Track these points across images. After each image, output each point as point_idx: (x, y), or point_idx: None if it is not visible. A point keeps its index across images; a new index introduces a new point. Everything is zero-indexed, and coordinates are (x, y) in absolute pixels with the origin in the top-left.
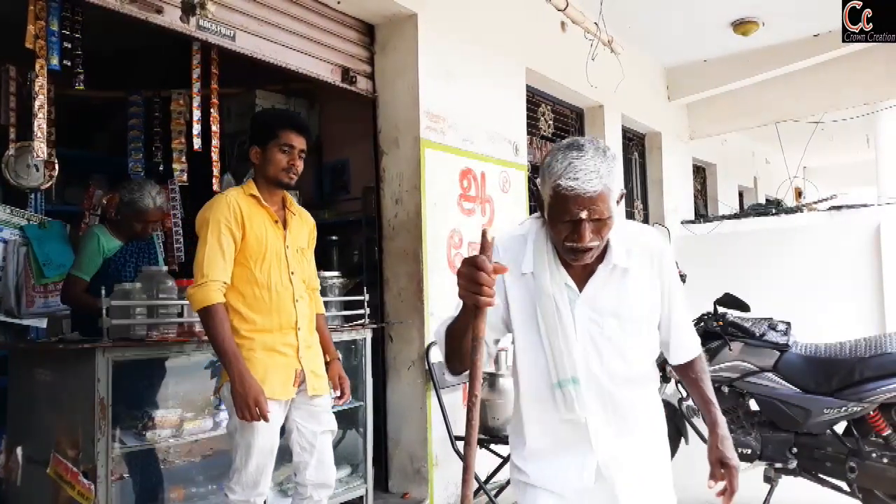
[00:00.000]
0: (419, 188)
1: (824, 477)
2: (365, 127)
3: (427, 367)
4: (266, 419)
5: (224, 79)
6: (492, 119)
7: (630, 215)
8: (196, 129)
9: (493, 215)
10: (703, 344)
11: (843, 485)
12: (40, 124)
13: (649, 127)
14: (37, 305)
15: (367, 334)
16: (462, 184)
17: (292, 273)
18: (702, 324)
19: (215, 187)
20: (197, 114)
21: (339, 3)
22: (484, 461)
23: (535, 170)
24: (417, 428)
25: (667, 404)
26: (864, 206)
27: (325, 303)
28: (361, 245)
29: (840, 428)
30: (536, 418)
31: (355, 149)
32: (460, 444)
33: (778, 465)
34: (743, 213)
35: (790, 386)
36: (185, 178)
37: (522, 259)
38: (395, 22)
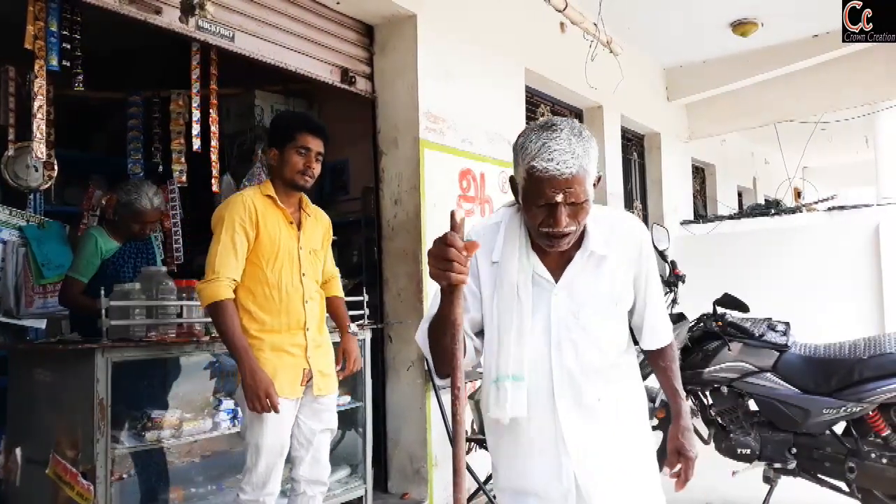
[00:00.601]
0: (418, 188)
1: (823, 477)
2: (364, 127)
3: (426, 367)
4: (276, 410)
5: (223, 79)
6: (491, 119)
7: None
8: (195, 129)
9: None
10: (703, 344)
11: (843, 485)
12: (39, 125)
13: (648, 127)
14: (36, 306)
15: (367, 335)
16: (461, 184)
17: (303, 274)
18: (701, 324)
19: (214, 188)
20: (196, 114)
21: (338, 3)
22: (483, 461)
23: None
24: (417, 428)
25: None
26: (864, 206)
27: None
28: (361, 245)
29: (839, 428)
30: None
31: (354, 149)
32: None
33: (777, 466)
34: (742, 213)
35: (789, 386)
36: (184, 178)
37: (494, 247)
38: (395, 22)
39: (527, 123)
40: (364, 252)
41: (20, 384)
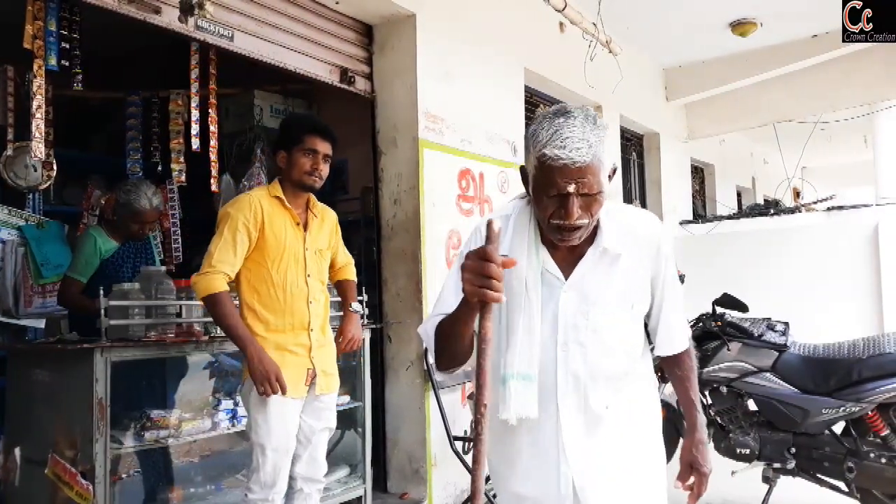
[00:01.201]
0: (417, 188)
1: (822, 477)
2: (363, 127)
3: (426, 367)
4: (284, 392)
5: (222, 79)
6: (490, 119)
7: None
8: (194, 129)
9: None
10: (702, 344)
11: (842, 485)
12: (38, 124)
13: (647, 127)
14: (35, 306)
15: (366, 334)
16: (460, 184)
17: (308, 275)
18: (700, 324)
19: (213, 188)
20: (195, 114)
21: (337, 3)
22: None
23: None
24: (416, 428)
25: (666, 405)
26: (863, 206)
27: None
28: (360, 245)
29: (838, 428)
30: (499, 421)
31: (354, 149)
32: (459, 445)
33: (776, 465)
34: (741, 213)
35: (788, 386)
36: (183, 178)
37: (503, 241)
38: (394, 22)
39: (526, 124)
40: (363, 252)
41: (19, 384)
